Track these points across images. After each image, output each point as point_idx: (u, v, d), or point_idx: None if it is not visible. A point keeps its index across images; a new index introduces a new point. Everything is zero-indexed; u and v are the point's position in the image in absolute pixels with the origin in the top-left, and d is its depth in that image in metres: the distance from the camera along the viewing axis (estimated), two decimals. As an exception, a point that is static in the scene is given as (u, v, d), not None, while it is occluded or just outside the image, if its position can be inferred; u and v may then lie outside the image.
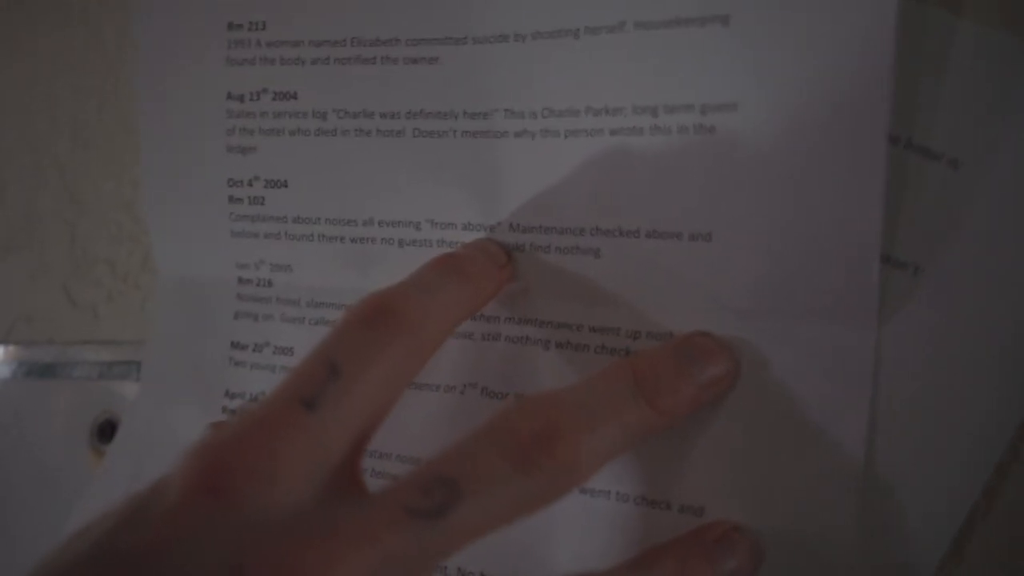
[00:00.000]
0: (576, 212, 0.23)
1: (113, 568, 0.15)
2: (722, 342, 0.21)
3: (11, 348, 0.34)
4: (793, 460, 0.21)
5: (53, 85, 0.34)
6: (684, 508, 0.22)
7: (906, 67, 0.20)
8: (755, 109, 0.20)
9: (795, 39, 0.20)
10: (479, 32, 0.24)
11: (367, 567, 0.15)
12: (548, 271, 0.24)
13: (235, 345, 0.29)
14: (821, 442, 0.20)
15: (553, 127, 0.23)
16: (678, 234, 0.22)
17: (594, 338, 0.23)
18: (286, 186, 0.27)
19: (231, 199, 0.28)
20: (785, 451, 0.21)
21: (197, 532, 0.16)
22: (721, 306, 0.21)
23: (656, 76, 0.22)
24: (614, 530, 0.23)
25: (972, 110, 0.20)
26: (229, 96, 0.28)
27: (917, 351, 0.20)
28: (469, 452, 0.17)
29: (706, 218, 0.21)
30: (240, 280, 0.28)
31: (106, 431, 0.31)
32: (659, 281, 0.22)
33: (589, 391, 0.19)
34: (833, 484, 0.20)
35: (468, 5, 0.25)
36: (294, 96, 0.27)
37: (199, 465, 0.16)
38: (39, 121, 0.34)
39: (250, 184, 0.28)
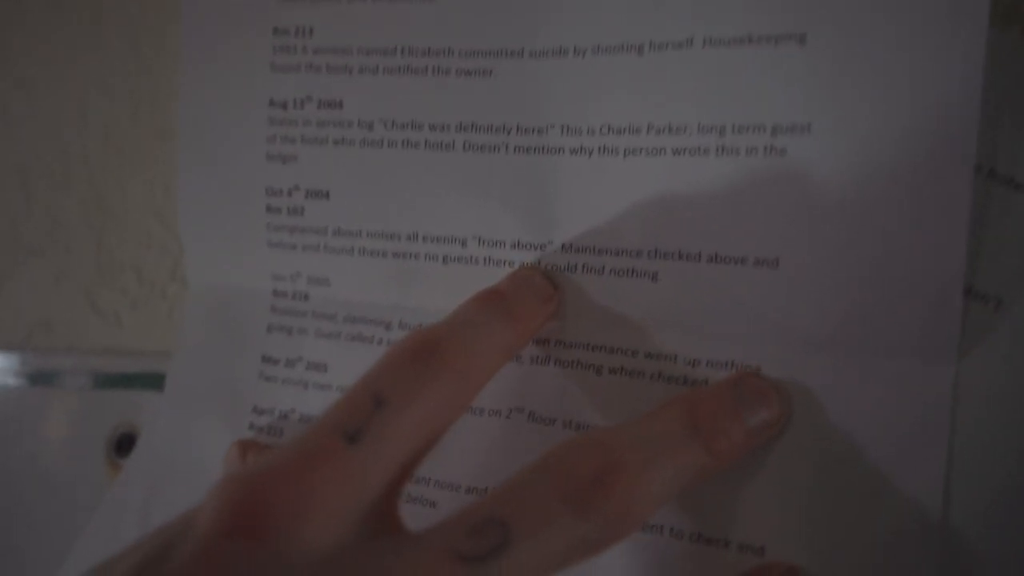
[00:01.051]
0: (633, 233, 0.22)
1: None
2: (775, 385, 0.20)
3: (29, 354, 0.33)
4: (863, 504, 0.20)
5: (86, 87, 0.34)
6: (744, 547, 0.21)
7: (992, 97, 0.19)
8: (830, 132, 0.20)
9: (875, 61, 0.19)
10: (537, 45, 0.24)
11: None
12: (602, 294, 0.23)
13: (266, 359, 0.27)
14: (894, 485, 0.19)
15: (612, 145, 0.23)
16: (742, 259, 0.21)
17: (650, 365, 0.22)
18: (327, 197, 0.27)
19: (269, 208, 0.27)
20: (854, 492, 0.20)
21: (228, 573, 0.15)
22: (787, 337, 0.21)
23: (724, 95, 0.21)
24: (666, 569, 0.21)
25: (1060, 141, 0.19)
26: (271, 103, 0.27)
27: (997, 387, 0.19)
28: (521, 492, 0.17)
29: (773, 244, 0.21)
30: (275, 292, 0.27)
31: (124, 444, 0.30)
32: (721, 308, 0.21)
33: (646, 431, 0.18)
34: (908, 535, 0.19)
35: (526, 17, 0.24)
36: (340, 105, 0.26)
37: (233, 499, 0.15)
38: (70, 123, 0.34)
39: (289, 194, 0.27)
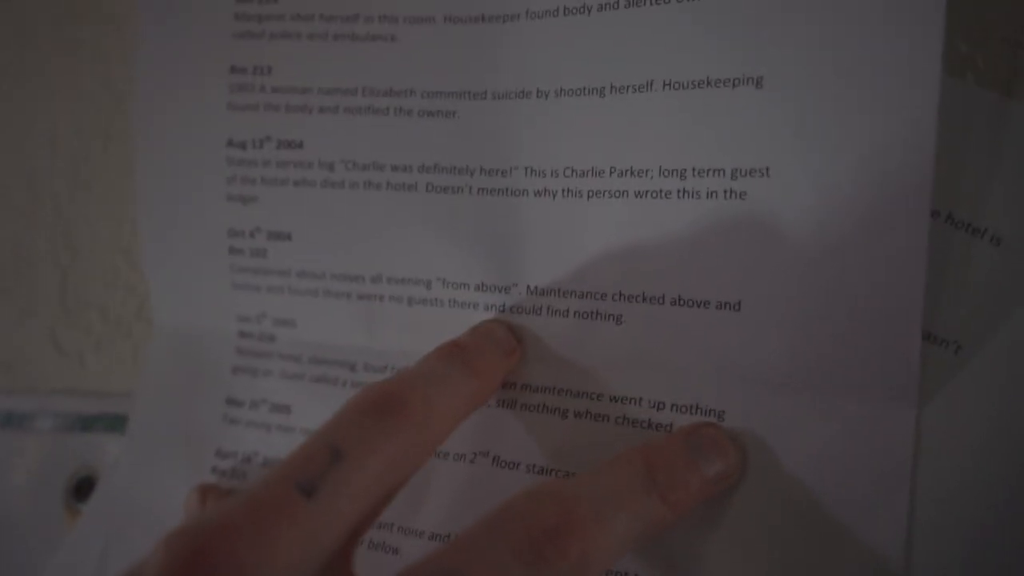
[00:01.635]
0: (598, 276, 0.22)
1: None
2: (730, 435, 0.20)
3: (-11, 395, 0.32)
4: (825, 553, 0.19)
5: (56, 121, 0.33)
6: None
7: (948, 143, 0.19)
8: (789, 175, 0.20)
9: (831, 105, 0.19)
10: (500, 87, 0.24)
11: None
12: (567, 337, 0.23)
13: (231, 401, 0.27)
14: (855, 533, 0.19)
15: (576, 187, 0.23)
16: (705, 302, 0.21)
17: (614, 408, 0.22)
18: (290, 239, 0.26)
19: (231, 250, 0.27)
20: (816, 542, 0.19)
21: None
22: (750, 379, 0.20)
23: (685, 138, 0.21)
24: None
25: (1014, 187, 0.19)
26: (230, 143, 0.27)
27: (959, 431, 0.19)
28: (475, 547, 0.16)
29: (735, 287, 0.21)
30: (241, 333, 0.27)
31: (84, 489, 0.30)
32: (684, 350, 0.21)
33: (601, 483, 0.18)
34: None
35: (488, 59, 0.24)
36: (300, 145, 0.26)
37: (180, 554, 0.15)
38: (39, 157, 0.33)
39: (252, 235, 0.27)
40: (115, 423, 0.29)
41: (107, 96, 0.33)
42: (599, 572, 0.17)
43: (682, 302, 0.21)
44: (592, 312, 0.22)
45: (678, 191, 0.21)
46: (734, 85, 0.20)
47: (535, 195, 0.23)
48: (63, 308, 0.32)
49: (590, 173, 0.22)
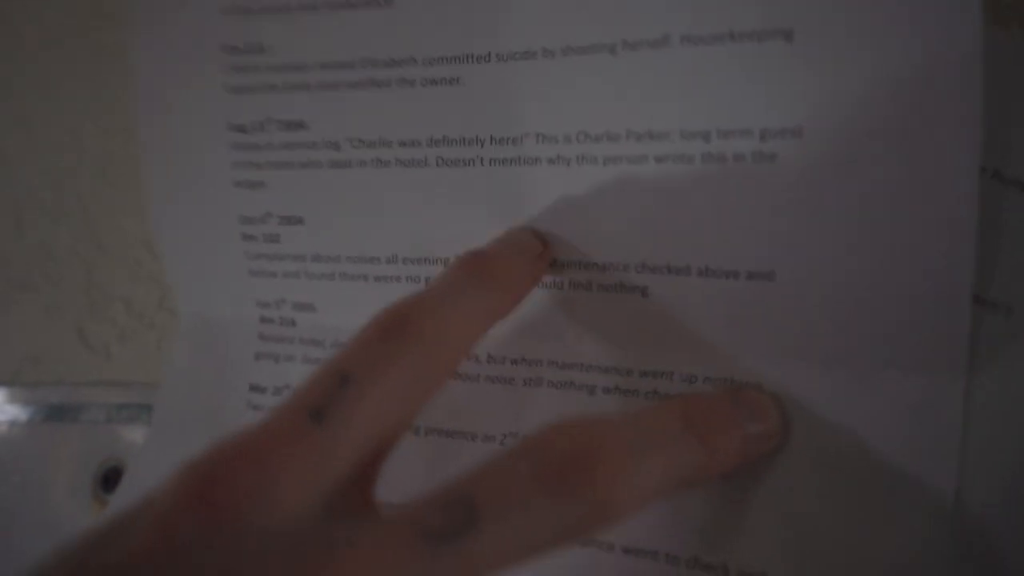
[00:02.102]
0: (619, 247, 0.21)
1: None
2: (774, 398, 0.19)
3: (17, 389, 0.32)
4: (870, 528, 0.18)
5: (80, 121, 0.33)
6: (743, 574, 0.20)
7: (993, 96, 0.18)
8: (823, 135, 0.19)
9: (868, 58, 0.18)
10: (503, 48, 0.22)
11: None
12: (592, 311, 0.22)
13: (254, 388, 0.27)
14: (903, 508, 0.18)
15: (590, 153, 0.21)
16: (734, 273, 0.20)
17: (644, 383, 0.21)
18: (302, 223, 0.26)
19: (244, 236, 0.26)
20: (861, 516, 0.19)
21: (184, 548, 0.14)
22: (787, 352, 0.20)
23: (707, 97, 0.20)
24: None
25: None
26: (231, 127, 0.26)
27: (1012, 400, 0.18)
28: (494, 472, 0.15)
29: (767, 256, 0.20)
30: (262, 319, 0.27)
31: (111, 479, 0.30)
32: (715, 323, 0.20)
33: (636, 420, 0.17)
34: (918, 561, 0.18)
35: (488, 17, 0.22)
36: (302, 125, 0.25)
37: (194, 477, 0.15)
38: (64, 156, 0.34)
39: (263, 221, 0.26)
40: (141, 413, 0.29)
41: (129, 97, 0.33)
42: (629, 510, 0.16)
43: (710, 272, 0.20)
44: (616, 284, 0.22)
45: (702, 155, 0.20)
46: (760, 39, 0.19)
47: (548, 163, 0.22)
48: (88, 301, 0.32)
49: (605, 138, 0.21)
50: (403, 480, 0.17)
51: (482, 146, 0.23)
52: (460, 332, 0.19)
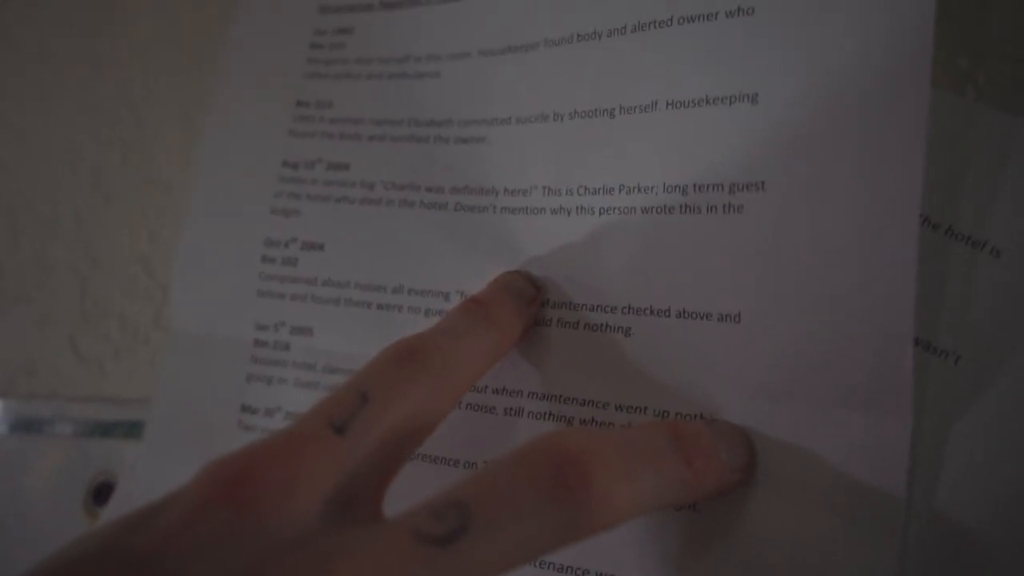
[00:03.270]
0: (608, 290, 0.23)
1: (115, 568, 0.15)
2: (746, 434, 0.21)
3: (11, 401, 0.33)
4: (826, 559, 0.20)
5: (77, 135, 0.34)
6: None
7: (949, 157, 0.20)
8: (783, 189, 0.20)
9: (824, 119, 0.20)
10: (522, 112, 0.25)
11: None
12: (576, 348, 0.23)
13: (245, 408, 0.28)
14: (855, 540, 0.19)
15: (588, 204, 0.24)
16: (708, 314, 0.21)
17: (620, 416, 0.22)
18: (322, 249, 0.28)
19: (264, 258, 0.29)
20: (817, 547, 0.20)
21: (207, 539, 0.15)
22: (750, 389, 0.21)
23: (686, 154, 0.22)
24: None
25: (1014, 201, 0.20)
26: (284, 163, 0.29)
27: (959, 441, 0.19)
28: (490, 475, 0.16)
29: (735, 299, 0.21)
30: (256, 342, 0.28)
31: (103, 493, 0.30)
32: (689, 362, 0.22)
33: (627, 433, 0.18)
34: None
35: (512, 87, 0.26)
36: (346, 167, 0.28)
37: (221, 472, 0.16)
38: (60, 170, 0.34)
39: (286, 245, 0.28)
40: (133, 429, 0.30)
41: (125, 110, 0.34)
42: (623, 512, 0.16)
43: (687, 315, 0.22)
44: (602, 324, 0.23)
45: (680, 206, 0.22)
46: (731, 102, 0.21)
47: (552, 213, 0.24)
48: (83, 316, 0.33)
49: (601, 191, 0.23)
50: (389, 505, 0.19)
51: (497, 196, 0.25)
52: (465, 367, 0.20)
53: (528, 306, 0.23)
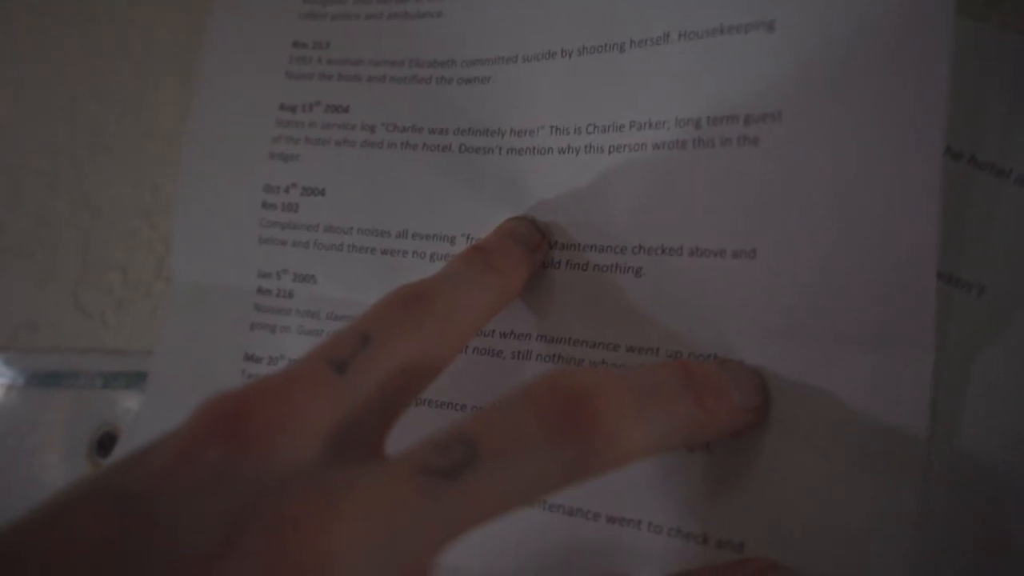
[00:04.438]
0: (618, 230, 0.22)
1: (106, 508, 0.14)
2: (759, 374, 0.20)
3: (13, 354, 0.33)
4: (843, 499, 0.19)
5: (75, 88, 0.34)
6: (722, 543, 0.20)
7: (970, 85, 0.19)
8: (800, 119, 0.20)
9: (843, 47, 0.19)
10: (528, 50, 0.25)
11: (368, 526, 0.14)
12: (585, 289, 0.23)
13: (249, 357, 0.27)
14: (874, 480, 0.19)
15: (597, 143, 0.23)
16: (721, 251, 0.21)
17: (631, 358, 0.22)
18: (323, 194, 0.27)
19: (264, 204, 0.28)
20: (834, 488, 0.19)
21: (200, 477, 0.15)
22: (767, 328, 0.20)
23: (700, 86, 0.21)
24: (644, 564, 0.21)
25: (1041, 128, 0.19)
26: (282, 106, 0.28)
27: (983, 376, 0.19)
28: (496, 413, 0.16)
29: (750, 234, 0.20)
30: (260, 290, 0.27)
31: (106, 444, 0.30)
32: (702, 301, 0.21)
33: (637, 373, 0.18)
34: (885, 531, 0.19)
35: (518, 24, 0.25)
36: (346, 109, 0.27)
37: (218, 409, 0.15)
38: (59, 124, 0.34)
39: (287, 191, 0.28)
40: (136, 380, 0.30)
41: (124, 64, 0.33)
42: (630, 458, 0.16)
43: (699, 252, 0.21)
44: (612, 265, 0.22)
45: (693, 140, 0.21)
46: (746, 31, 0.20)
47: (559, 152, 0.24)
48: (84, 269, 0.33)
49: (611, 128, 0.23)
50: (393, 450, 0.18)
51: (502, 136, 0.25)
52: (468, 314, 0.20)
53: (533, 253, 0.23)
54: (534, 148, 0.24)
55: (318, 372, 0.17)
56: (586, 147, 0.23)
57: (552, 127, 0.24)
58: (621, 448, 0.15)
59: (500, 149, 0.25)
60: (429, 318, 0.19)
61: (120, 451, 0.28)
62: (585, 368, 0.17)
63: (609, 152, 0.23)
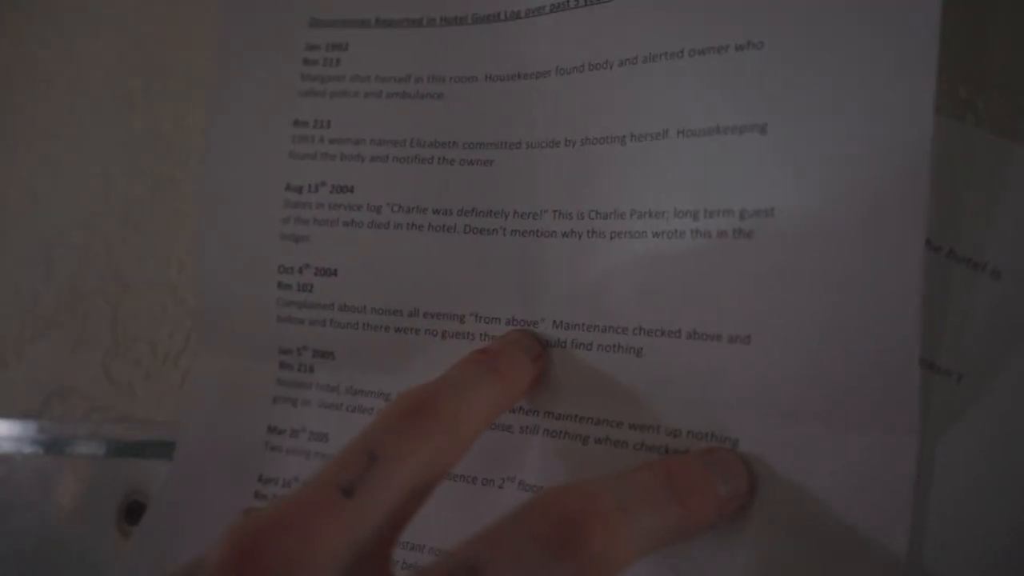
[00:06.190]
0: (619, 312, 0.24)
1: None
2: (743, 460, 0.21)
3: (44, 422, 0.34)
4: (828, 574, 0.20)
5: (109, 166, 0.36)
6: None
7: (950, 182, 0.20)
8: (792, 214, 0.21)
9: (831, 146, 0.21)
10: (533, 138, 0.26)
11: None
12: (590, 368, 0.24)
13: (272, 430, 0.29)
14: (859, 557, 0.20)
15: (599, 228, 0.24)
16: (718, 336, 0.22)
17: (633, 435, 0.23)
18: (335, 275, 0.28)
19: (280, 285, 0.29)
20: (820, 564, 0.20)
21: None
22: (761, 408, 0.22)
23: (697, 182, 0.23)
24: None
25: (1013, 224, 0.20)
26: (288, 187, 0.29)
27: (963, 460, 0.20)
28: (497, 537, 0.17)
29: (745, 321, 0.22)
30: (282, 365, 0.29)
31: (135, 512, 0.31)
32: (699, 382, 0.23)
33: (623, 482, 0.19)
34: None
35: (523, 113, 0.26)
36: (351, 189, 0.28)
37: (238, 546, 0.16)
38: (92, 200, 0.36)
39: (300, 272, 0.28)
40: (164, 449, 0.31)
41: (156, 144, 0.35)
42: (622, 565, 0.17)
43: (697, 336, 0.22)
44: (614, 345, 0.24)
45: (691, 231, 0.23)
46: (741, 131, 0.22)
47: (562, 236, 0.25)
48: (114, 341, 0.34)
49: (612, 215, 0.24)
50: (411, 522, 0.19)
51: (506, 218, 0.26)
52: (472, 420, 0.21)
53: (534, 362, 0.24)
54: (538, 231, 0.25)
55: (328, 499, 0.17)
56: (588, 232, 0.24)
57: (555, 211, 0.25)
58: (614, 563, 0.17)
59: (504, 230, 0.26)
60: (436, 428, 0.19)
61: (149, 518, 0.30)
62: (574, 487, 0.18)
63: (611, 238, 0.24)
